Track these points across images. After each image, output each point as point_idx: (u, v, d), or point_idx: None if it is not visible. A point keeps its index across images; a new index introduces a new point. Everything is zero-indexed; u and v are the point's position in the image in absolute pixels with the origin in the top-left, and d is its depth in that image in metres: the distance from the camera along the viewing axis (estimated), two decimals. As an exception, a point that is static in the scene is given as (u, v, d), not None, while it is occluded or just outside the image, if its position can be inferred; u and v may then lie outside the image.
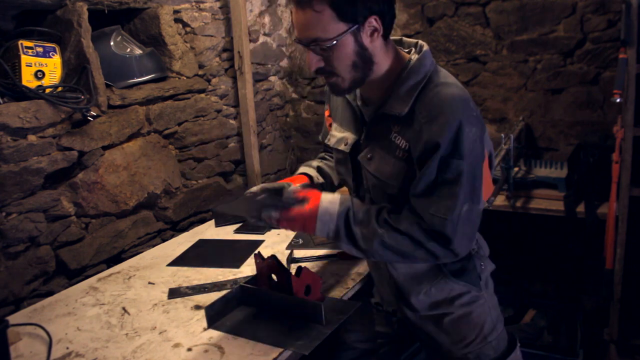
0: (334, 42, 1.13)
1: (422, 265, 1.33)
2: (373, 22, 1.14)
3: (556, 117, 2.33)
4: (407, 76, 1.20)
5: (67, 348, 1.31)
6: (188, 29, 2.22)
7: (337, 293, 1.51)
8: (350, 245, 1.21)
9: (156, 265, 1.79)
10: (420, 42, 1.27)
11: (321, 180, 1.56)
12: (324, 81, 1.41)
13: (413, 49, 1.26)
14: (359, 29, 1.13)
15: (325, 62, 1.17)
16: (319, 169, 1.58)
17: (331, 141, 1.44)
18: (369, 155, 1.28)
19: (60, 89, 1.69)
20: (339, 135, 1.40)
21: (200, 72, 2.28)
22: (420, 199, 1.16)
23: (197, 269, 1.73)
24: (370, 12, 1.13)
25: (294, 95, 2.90)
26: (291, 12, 1.20)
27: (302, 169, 1.59)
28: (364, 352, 1.58)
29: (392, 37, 1.25)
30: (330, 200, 1.21)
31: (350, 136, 1.36)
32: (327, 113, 1.51)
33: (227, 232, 2.05)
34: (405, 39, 1.31)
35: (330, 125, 1.48)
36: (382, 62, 1.21)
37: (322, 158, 1.66)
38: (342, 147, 1.38)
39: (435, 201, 1.14)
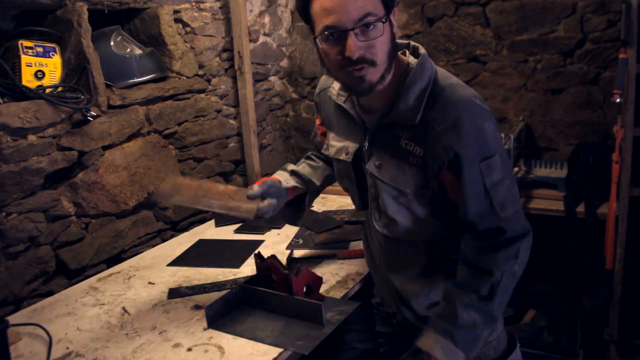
0: (385, 19, 1.09)
1: (422, 269, 1.34)
2: (396, 14, 1.15)
3: (556, 117, 2.33)
4: (412, 82, 1.17)
5: (67, 348, 1.31)
6: (188, 29, 2.22)
7: (337, 293, 1.51)
8: (485, 336, 1.22)
9: (156, 265, 1.79)
10: (412, 43, 1.24)
11: (291, 184, 1.51)
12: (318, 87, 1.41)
13: (407, 51, 1.23)
14: (390, 18, 1.13)
15: (366, 50, 1.09)
16: (294, 173, 1.54)
17: (330, 151, 1.41)
18: (377, 163, 1.26)
19: (60, 89, 1.69)
20: (338, 145, 1.37)
21: (200, 72, 2.28)
22: (485, 214, 1.18)
23: (197, 269, 1.73)
24: (394, 3, 1.13)
25: (294, 95, 2.90)
26: (310, 6, 1.11)
27: (277, 173, 1.56)
28: (364, 352, 1.57)
29: None
30: (442, 351, 1.19)
31: (351, 145, 1.33)
32: (318, 121, 1.49)
33: (227, 232, 2.05)
34: (396, 40, 1.27)
35: (323, 134, 1.46)
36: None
37: (307, 157, 1.63)
38: (343, 156, 1.35)
39: (499, 205, 1.17)
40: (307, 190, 1.58)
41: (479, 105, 1.16)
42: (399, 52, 1.23)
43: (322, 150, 1.46)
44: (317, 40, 1.13)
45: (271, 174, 1.58)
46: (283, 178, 1.52)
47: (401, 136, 1.21)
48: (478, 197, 1.16)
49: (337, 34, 1.08)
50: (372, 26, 1.07)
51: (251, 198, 1.41)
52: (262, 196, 1.43)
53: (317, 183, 1.56)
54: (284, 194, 1.49)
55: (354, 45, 1.07)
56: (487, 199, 1.16)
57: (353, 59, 1.08)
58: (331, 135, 1.41)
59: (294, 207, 1.59)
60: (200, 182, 1.53)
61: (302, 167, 1.59)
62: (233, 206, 1.42)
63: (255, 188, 1.42)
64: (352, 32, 1.06)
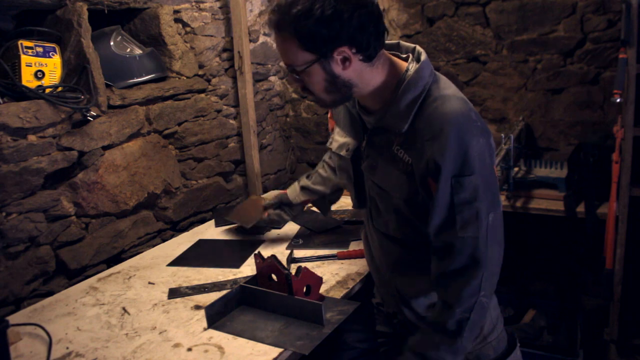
0: (302, 70, 1.14)
1: (422, 268, 1.33)
2: (344, 51, 1.11)
3: (556, 117, 2.33)
4: (405, 90, 1.16)
5: (67, 348, 1.31)
6: (188, 29, 2.22)
7: (337, 293, 1.51)
8: (460, 355, 1.22)
9: (156, 265, 1.79)
10: (418, 48, 1.23)
11: (301, 199, 1.81)
12: None
13: (411, 56, 1.23)
14: (327, 59, 1.12)
15: (303, 84, 1.19)
16: (304, 189, 1.80)
17: (333, 145, 1.44)
18: (372, 164, 1.27)
19: (60, 89, 1.69)
20: (341, 141, 1.40)
21: (200, 72, 2.28)
22: (444, 227, 1.15)
23: (197, 269, 1.73)
24: (338, 43, 1.10)
25: (294, 95, 2.90)
26: None
27: (290, 188, 1.85)
28: (364, 352, 1.58)
29: (388, 41, 1.23)
30: None
31: (351, 142, 1.35)
32: (329, 114, 1.52)
33: (227, 232, 2.05)
34: (402, 43, 1.27)
35: (333, 129, 1.49)
36: (369, 81, 1.18)
37: (323, 161, 1.78)
38: (343, 152, 1.37)
39: (460, 223, 1.13)
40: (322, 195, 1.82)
41: (470, 120, 1.13)
42: (403, 56, 1.24)
43: (327, 144, 1.50)
44: None
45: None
46: (293, 195, 1.82)
47: (394, 141, 1.21)
48: (443, 211, 1.14)
49: None
50: (295, 73, 1.16)
51: (267, 208, 1.87)
52: (274, 207, 1.86)
53: (327, 192, 1.76)
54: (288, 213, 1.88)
55: (290, 81, 1.28)
56: (451, 214, 1.14)
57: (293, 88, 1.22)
58: (337, 130, 1.45)
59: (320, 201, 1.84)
60: (248, 202, 2.06)
61: (314, 179, 1.79)
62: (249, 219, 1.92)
63: (271, 198, 1.85)
64: (288, 71, 1.19)
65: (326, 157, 1.76)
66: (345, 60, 1.13)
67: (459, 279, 1.17)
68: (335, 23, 1.07)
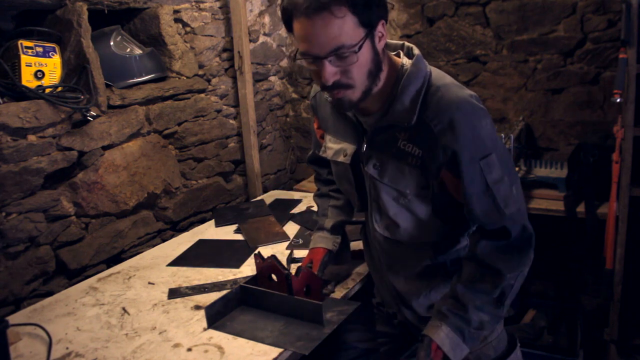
0: (359, 47, 1.06)
1: (422, 269, 1.33)
2: (381, 27, 1.11)
3: (556, 117, 2.33)
4: (407, 83, 1.16)
5: (67, 348, 1.31)
6: (188, 28, 2.22)
7: (337, 293, 1.51)
8: (491, 328, 1.26)
9: (156, 265, 1.78)
10: (407, 44, 1.24)
11: (339, 241, 1.53)
12: (314, 94, 1.40)
13: (401, 52, 1.23)
14: (373, 34, 1.10)
15: (342, 74, 1.09)
16: (334, 229, 1.54)
17: (328, 153, 1.39)
18: (376, 165, 1.25)
19: (60, 89, 1.69)
20: (336, 147, 1.36)
21: (200, 72, 2.28)
22: (489, 212, 1.18)
23: (197, 269, 1.73)
24: (380, 16, 1.10)
25: (294, 95, 2.90)
26: (292, 25, 1.10)
27: (317, 239, 1.54)
28: (364, 352, 1.58)
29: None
30: (450, 345, 1.21)
31: (349, 147, 1.32)
32: (315, 125, 1.49)
33: (227, 232, 2.05)
34: (389, 41, 1.25)
35: (322, 137, 1.45)
36: (384, 70, 1.17)
37: (328, 194, 1.60)
38: (341, 158, 1.34)
39: (502, 202, 1.17)
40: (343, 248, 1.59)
41: (474, 104, 1.15)
42: (392, 54, 1.23)
43: (320, 153, 1.45)
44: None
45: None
46: (329, 245, 1.52)
47: (399, 137, 1.21)
48: (480, 196, 1.16)
49: (312, 59, 1.09)
50: (347, 54, 1.07)
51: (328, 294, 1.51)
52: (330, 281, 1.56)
53: (351, 218, 1.59)
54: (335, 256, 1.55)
55: (328, 73, 1.08)
56: (490, 197, 1.16)
57: (327, 85, 1.10)
58: (328, 137, 1.40)
59: (339, 249, 1.58)
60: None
61: (332, 215, 1.56)
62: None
63: (329, 287, 1.52)
64: (325, 60, 1.07)
65: (325, 186, 1.62)
66: (381, 38, 1.12)
67: (514, 251, 1.21)
68: None
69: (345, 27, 1.04)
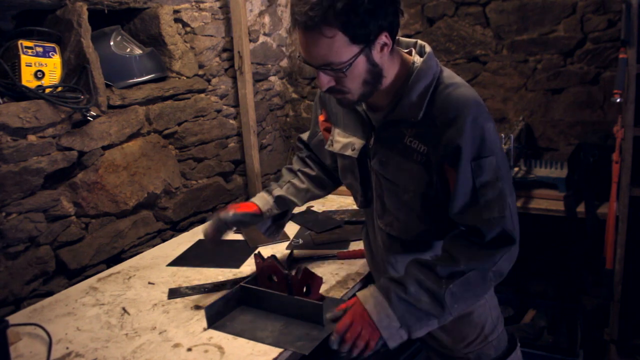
0: (348, 65, 1.09)
1: None
2: (383, 38, 1.11)
3: (556, 117, 2.33)
4: (416, 80, 1.17)
5: (67, 348, 1.31)
6: (188, 28, 2.22)
7: (337, 293, 1.51)
8: (431, 324, 1.17)
9: (156, 265, 1.79)
10: (419, 42, 1.25)
11: (275, 212, 1.52)
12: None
13: (413, 50, 1.24)
14: (370, 48, 1.10)
15: (337, 82, 1.14)
16: (279, 200, 1.52)
17: (335, 147, 1.40)
18: (382, 160, 1.26)
19: (60, 89, 1.69)
20: (344, 141, 1.37)
21: (200, 72, 2.28)
22: (467, 211, 1.16)
23: (197, 269, 1.73)
24: (381, 29, 1.09)
25: (294, 95, 2.90)
26: (295, 32, 1.14)
27: (259, 196, 1.54)
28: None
29: None
30: (373, 303, 1.18)
31: (357, 141, 1.33)
32: (321, 118, 1.48)
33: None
34: (402, 38, 1.28)
35: (327, 130, 1.45)
36: (390, 72, 1.18)
37: (299, 169, 1.59)
38: (349, 152, 1.35)
39: (484, 205, 1.14)
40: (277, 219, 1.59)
41: (481, 105, 1.16)
42: (405, 51, 1.24)
43: (326, 147, 1.45)
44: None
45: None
46: (266, 207, 1.51)
47: (405, 133, 1.21)
48: (466, 194, 1.16)
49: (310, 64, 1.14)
50: (336, 69, 1.10)
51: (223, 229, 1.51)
52: (234, 226, 1.51)
53: (300, 204, 1.56)
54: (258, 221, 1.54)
55: (322, 81, 1.14)
56: (474, 197, 1.15)
57: (323, 90, 1.16)
58: (337, 131, 1.41)
59: (274, 224, 1.59)
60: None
61: (287, 189, 1.55)
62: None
63: (230, 215, 1.48)
64: (318, 70, 1.12)
65: (299, 165, 1.61)
66: (383, 47, 1.13)
67: (481, 250, 1.16)
68: (381, 10, 1.07)
69: (334, 47, 1.07)
